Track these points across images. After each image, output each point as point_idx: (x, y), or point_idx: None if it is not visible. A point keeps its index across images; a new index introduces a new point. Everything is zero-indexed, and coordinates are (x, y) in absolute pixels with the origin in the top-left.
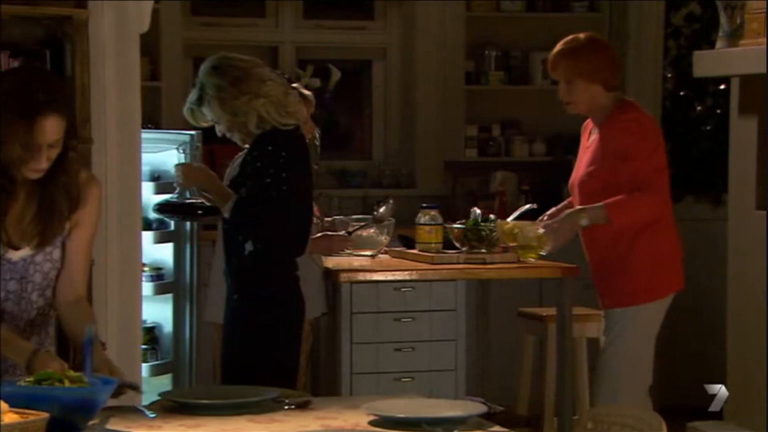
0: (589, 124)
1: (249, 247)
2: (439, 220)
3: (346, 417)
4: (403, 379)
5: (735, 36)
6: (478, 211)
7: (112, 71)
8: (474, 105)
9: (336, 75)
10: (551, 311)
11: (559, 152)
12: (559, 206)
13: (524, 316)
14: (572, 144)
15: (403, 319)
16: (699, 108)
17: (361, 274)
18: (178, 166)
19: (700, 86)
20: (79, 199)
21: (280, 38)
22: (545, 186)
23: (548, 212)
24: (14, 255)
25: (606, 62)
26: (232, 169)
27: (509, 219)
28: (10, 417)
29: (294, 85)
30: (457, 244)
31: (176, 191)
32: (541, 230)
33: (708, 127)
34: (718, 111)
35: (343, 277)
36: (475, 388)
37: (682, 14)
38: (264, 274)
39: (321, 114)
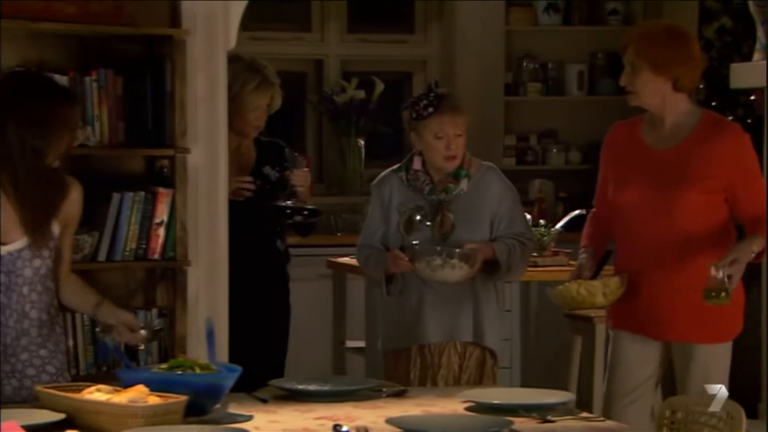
0: (634, 128)
1: (281, 245)
2: None
3: (443, 404)
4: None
5: None
6: (529, 216)
7: (203, 86)
8: (512, 115)
9: (380, 86)
10: (599, 312)
11: (594, 161)
12: (592, 258)
13: (572, 317)
14: None
15: None
16: (730, 118)
17: None
18: (305, 172)
19: (732, 97)
20: (65, 188)
21: (326, 51)
22: (581, 193)
23: (587, 267)
24: (2, 249)
25: (681, 57)
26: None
27: (558, 226)
28: (154, 399)
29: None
30: None
31: (288, 195)
32: (614, 280)
33: None
34: (749, 121)
35: None
36: (527, 385)
37: (714, 27)
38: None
39: (365, 124)
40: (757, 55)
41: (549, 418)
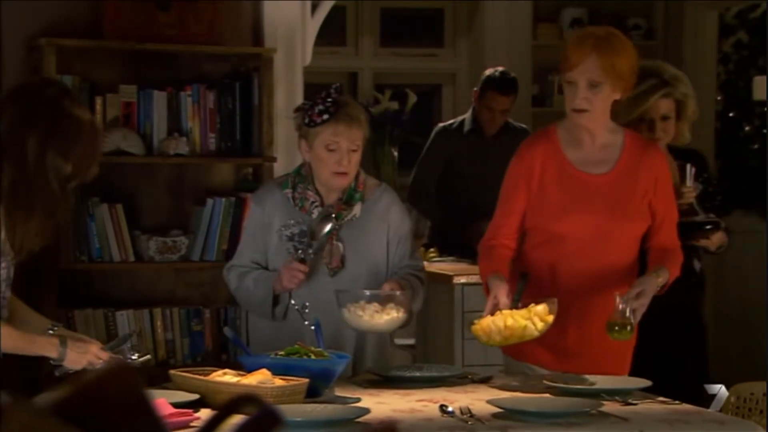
0: (554, 147)
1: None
2: None
3: (527, 390)
4: None
5: None
6: None
7: (282, 99)
8: (539, 126)
9: (412, 98)
10: None
11: None
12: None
13: None
14: None
15: None
16: (747, 128)
17: (474, 277)
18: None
19: (748, 108)
20: None
21: (360, 65)
22: None
23: (503, 293)
24: None
25: (636, 68)
26: None
27: None
28: (279, 381)
29: None
30: None
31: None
32: (541, 307)
33: (756, 146)
34: (765, 131)
35: (456, 279)
36: None
37: (731, 42)
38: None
39: (399, 134)
40: None
41: (630, 401)
